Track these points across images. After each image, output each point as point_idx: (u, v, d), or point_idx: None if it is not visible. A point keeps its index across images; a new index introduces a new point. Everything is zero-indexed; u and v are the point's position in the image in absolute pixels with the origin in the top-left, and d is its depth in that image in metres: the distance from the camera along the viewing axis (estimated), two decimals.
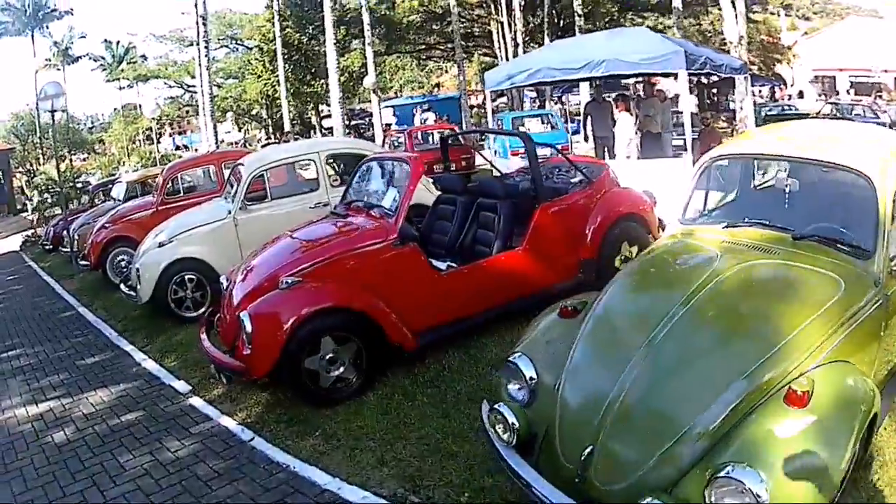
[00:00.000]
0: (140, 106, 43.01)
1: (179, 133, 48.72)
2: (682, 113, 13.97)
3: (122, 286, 7.21)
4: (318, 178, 6.82)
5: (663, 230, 6.16)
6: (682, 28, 18.83)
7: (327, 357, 4.00)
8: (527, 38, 26.57)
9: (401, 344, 4.19)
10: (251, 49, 32.43)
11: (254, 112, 35.48)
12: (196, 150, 36.26)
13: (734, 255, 2.86)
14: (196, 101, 33.75)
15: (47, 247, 13.96)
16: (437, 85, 38.95)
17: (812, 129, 4.22)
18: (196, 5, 18.27)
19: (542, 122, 15.23)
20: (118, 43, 39.87)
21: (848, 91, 32.09)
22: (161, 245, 6.56)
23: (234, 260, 6.24)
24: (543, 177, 5.42)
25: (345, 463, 3.51)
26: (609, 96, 12.61)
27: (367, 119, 31.95)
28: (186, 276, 6.49)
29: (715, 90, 29.06)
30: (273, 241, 4.92)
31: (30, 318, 8.34)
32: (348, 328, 4.05)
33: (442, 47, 33.91)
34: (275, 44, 25.40)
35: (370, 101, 35.20)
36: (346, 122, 18.84)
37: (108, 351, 6.29)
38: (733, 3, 14.61)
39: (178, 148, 40.39)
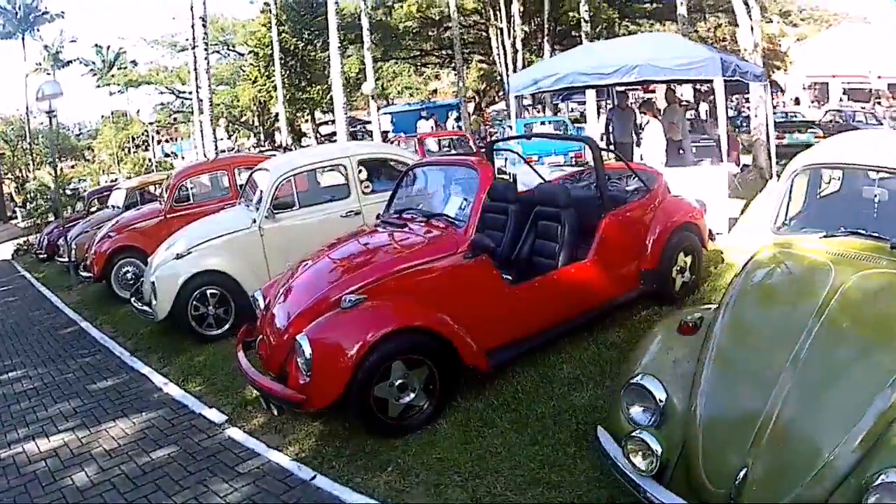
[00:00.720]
0: (127, 113, 42.10)
1: (167, 140, 47.81)
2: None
3: (133, 301, 6.67)
4: (347, 185, 6.33)
5: (713, 240, 6.03)
6: (686, 35, 18.68)
7: (397, 383, 3.55)
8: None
9: (476, 365, 3.76)
10: (243, 55, 31.93)
11: (244, 119, 34.90)
12: (183, 157, 35.56)
13: (847, 266, 2.87)
14: (187, 107, 33.10)
15: (41, 256, 13.34)
16: (434, 91, 38.62)
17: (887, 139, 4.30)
18: (192, 8, 17.80)
19: (556, 129, 14.85)
20: (108, 47, 39.04)
21: (841, 98, 32.14)
22: (178, 256, 6.02)
23: (260, 273, 5.78)
24: None
25: (431, 502, 3.07)
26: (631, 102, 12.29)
27: (358, 126, 31.56)
28: (208, 291, 5.97)
29: (713, 97, 28.90)
30: (318, 254, 4.44)
31: (28, 334, 7.70)
32: (420, 350, 3.60)
33: (437, 54, 33.68)
34: (270, 49, 24.94)
35: (360, 109, 34.92)
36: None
37: (122, 373, 5.72)
38: (748, 12, 14.48)
39: (167, 155, 39.56)
